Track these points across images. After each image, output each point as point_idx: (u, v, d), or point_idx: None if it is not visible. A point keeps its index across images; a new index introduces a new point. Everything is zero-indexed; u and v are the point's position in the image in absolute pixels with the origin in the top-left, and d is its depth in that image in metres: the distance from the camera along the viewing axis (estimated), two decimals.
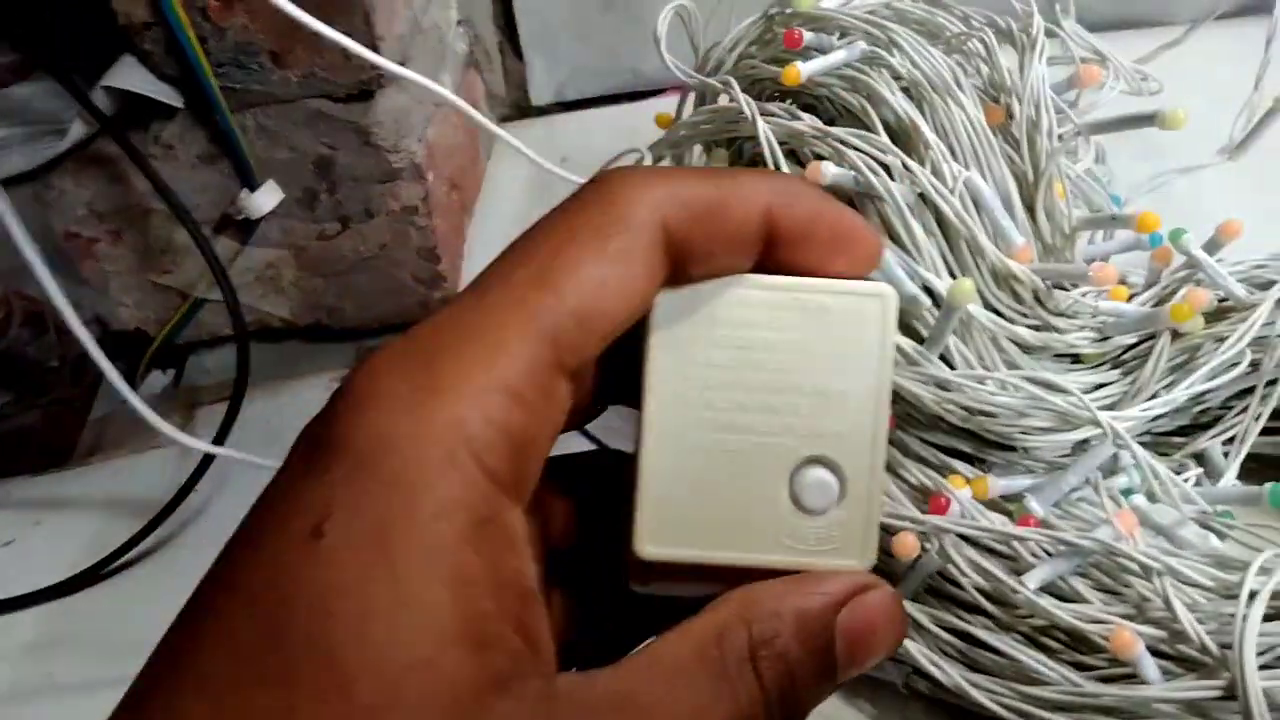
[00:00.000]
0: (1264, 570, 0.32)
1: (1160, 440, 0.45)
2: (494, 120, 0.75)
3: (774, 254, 0.24)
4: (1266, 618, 0.32)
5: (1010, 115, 0.42)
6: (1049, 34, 0.44)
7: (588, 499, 0.27)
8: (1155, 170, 0.56)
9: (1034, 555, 0.36)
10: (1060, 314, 0.42)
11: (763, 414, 0.25)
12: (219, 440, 0.51)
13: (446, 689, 0.17)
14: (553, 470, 0.28)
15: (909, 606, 0.37)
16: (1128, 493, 0.39)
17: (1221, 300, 0.43)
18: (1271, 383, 0.41)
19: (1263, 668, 0.31)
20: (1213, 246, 0.44)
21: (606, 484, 0.25)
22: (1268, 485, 0.37)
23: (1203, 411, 0.44)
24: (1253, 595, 0.31)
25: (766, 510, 0.25)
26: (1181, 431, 0.45)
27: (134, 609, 0.47)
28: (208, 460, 0.49)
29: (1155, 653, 0.33)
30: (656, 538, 0.24)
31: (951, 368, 0.39)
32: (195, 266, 0.54)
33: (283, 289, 0.55)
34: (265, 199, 0.51)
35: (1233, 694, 0.31)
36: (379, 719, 0.17)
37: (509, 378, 0.20)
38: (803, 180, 0.26)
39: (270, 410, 0.55)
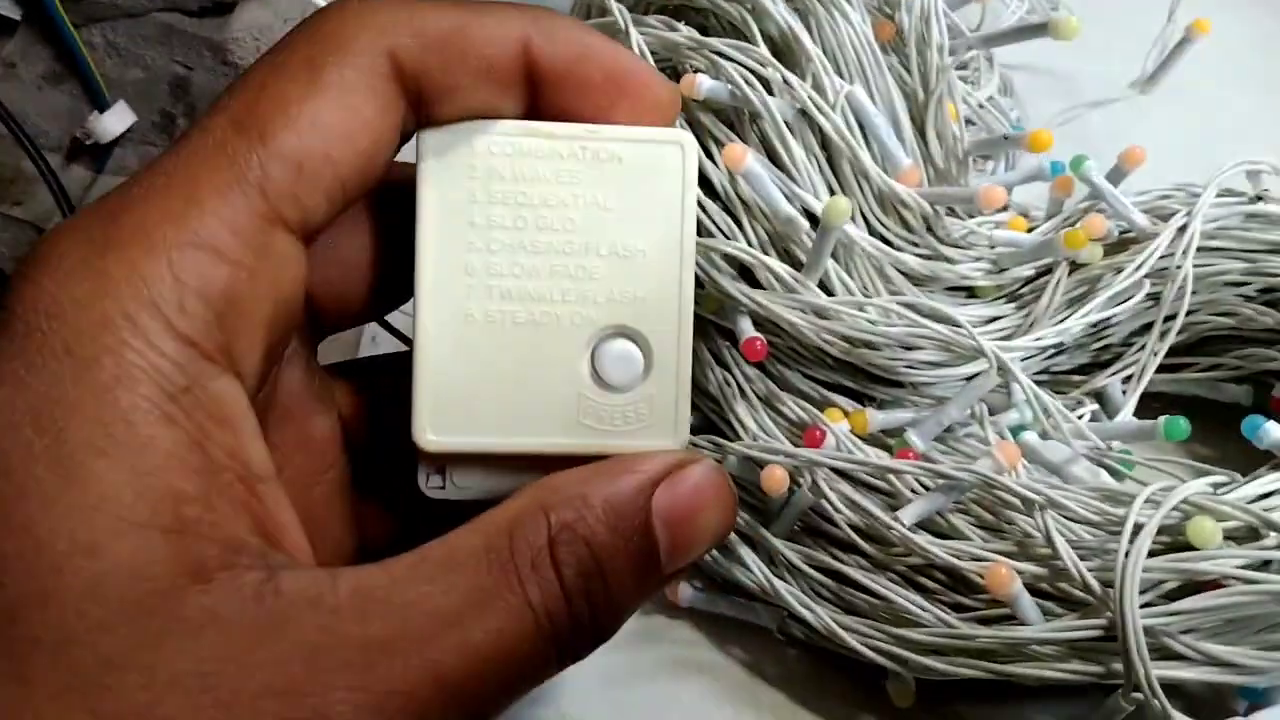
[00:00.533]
0: (1151, 502, 0.30)
1: (1060, 379, 0.42)
2: None
3: (542, 98, 0.22)
4: (1153, 553, 0.30)
5: (900, 31, 0.39)
6: None
7: (388, 394, 0.24)
8: (1068, 105, 0.54)
9: (912, 491, 0.33)
10: (952, 243, 0.40)
11: (553, 279, 0.23)
12: None
13: (123, 578, 0.15)
14: (355, 370, 0.26)
15: (783, 546, 0.34)
16: (1019, 429, 0.37)
17: (1124, 232, 0.42)
18: (1170, 317, 0.39)
19: (1146, 605, 0.30)
20: (1116, 175, 0.42)
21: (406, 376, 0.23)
22: (1162, 418, 0.35)
23: (1104, 348, 0.42)
24: (1138, 529, 0.29)
25: (564, 389, 0.22)
26: (1083, 370, 0.43)
27: None
28: None
29: (1037, 592, 0.31)
30: (439, 426, 0.22)
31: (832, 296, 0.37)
32: (48, 196, 0.50)
33: None
34: (116, 121, 0.47)
35: (1113, 634, 0.29)
36: (29, 612, 0.14)
37: (204, 231, 0.17)
38: (571, 18, 0.23)
39: None
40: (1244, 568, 0.30)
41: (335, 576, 0.17)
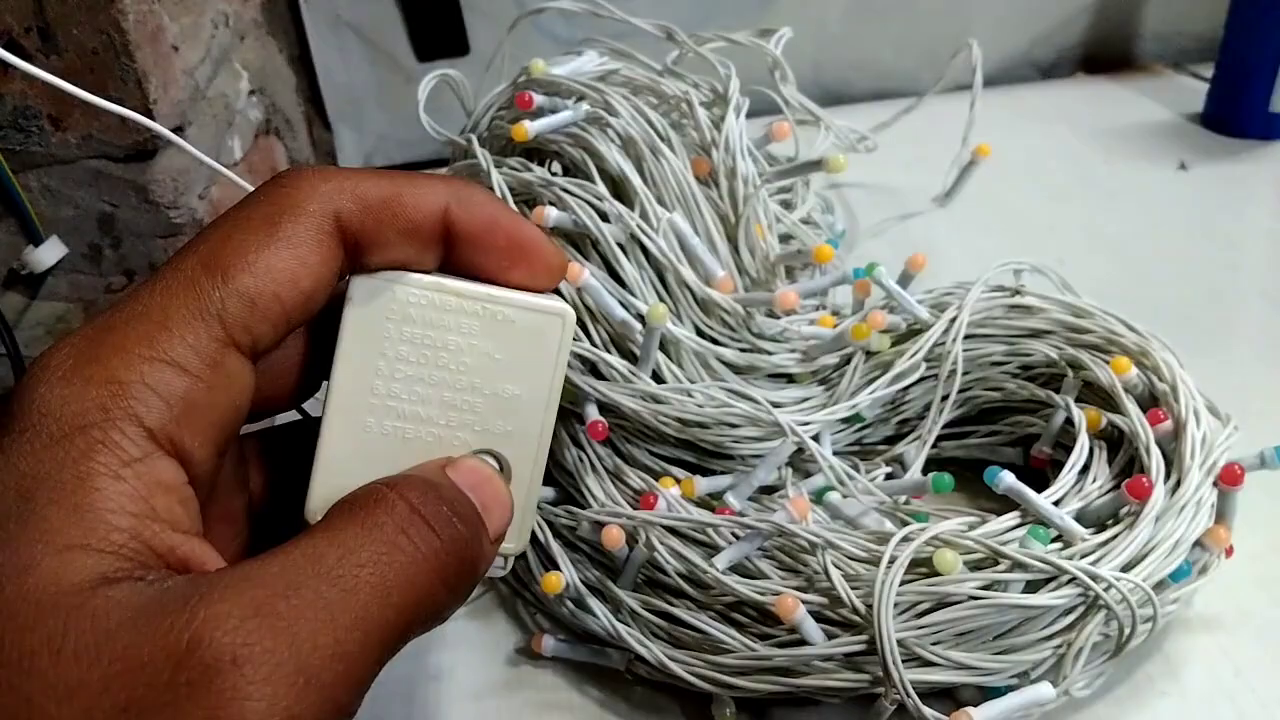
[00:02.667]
0: (905, 540, 0.38)
1: (869, 449, 0.50)
2: None
3: (456, 255, 0.28)
4: (908, 580, 0.37)
5: (712, 167, 0.48)
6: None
7: (289, 467, 0.30)
8: (886, 216, 0.64)
9: (727, 542, 0.40)
10: (767, 338, 0.48)
11: (441, 409, 0.29)
12: None
13: (47, 584, 0.20)
14: (265, 442, 0.31)
15: (625, 596, 0.41)
16: (824, 490, 0.45)
17: (911, 324, 0.50)
18: (946, 396, 0.48)
19: (902, 622, 0.37)
20: (905, 278, 0.51)
21: (306, 454, 0.28)
22: (931, 474, 0.43)
23: (903, 422, 0.50)
24: (893, 560, 0.37)
25: None
26: (890, 441, 0.51)
27: None
28: None
29: (821, 618, 0.38)
30: (326, 504, 0.27)
31: None
32: None
33: None
34: (49, 253, 0.53)
35: (874, 647, 0.36)
36: None
37: (172, 351, 0.23)
38: (486, 190, 0.29)
39: None
40: (980, 588, 0.37)
41: (238, 565, 0.22)
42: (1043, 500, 0.40)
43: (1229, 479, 0.40)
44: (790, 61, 0.56)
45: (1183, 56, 0.89)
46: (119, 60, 0.49)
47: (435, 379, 0.29)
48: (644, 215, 0.45)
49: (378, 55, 0.78)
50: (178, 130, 0.55)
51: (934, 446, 0.48)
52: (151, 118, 0.50)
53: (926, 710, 0.35)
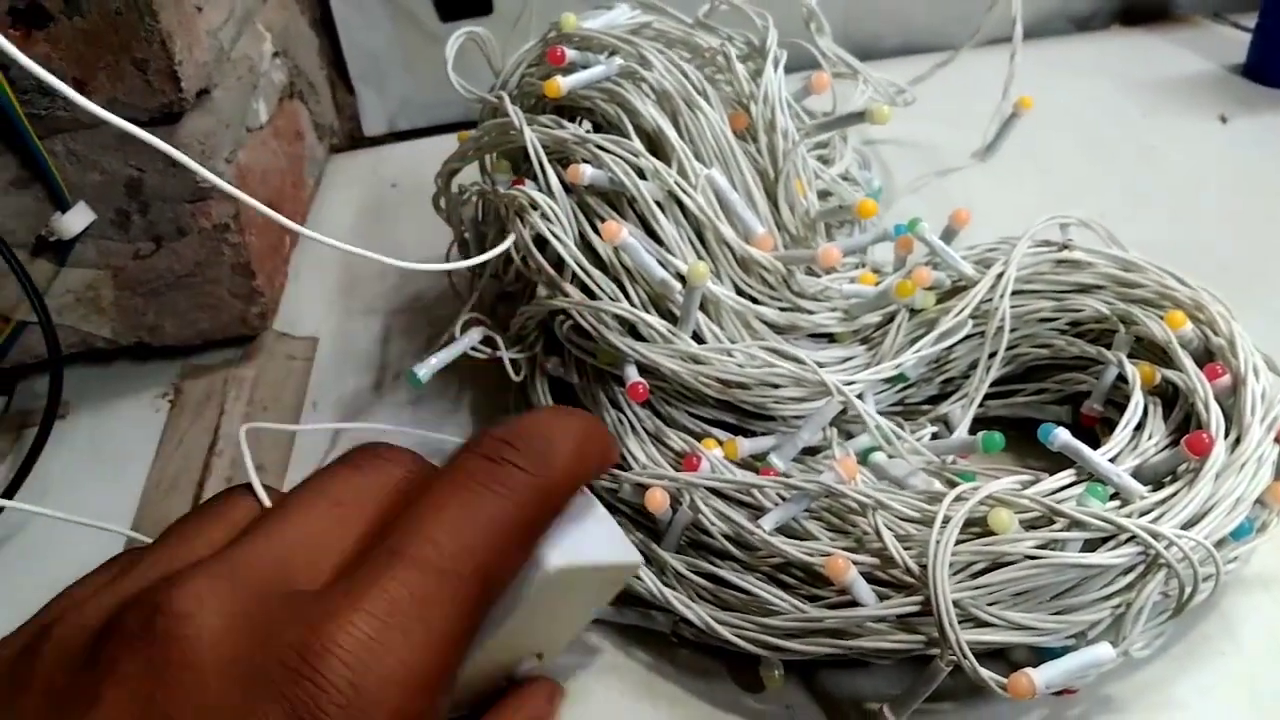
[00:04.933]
0: (959, 499, 0.37)
1: (912, 409, 0.49)
2: (325, 150, 0.78)
3: None
4: (963, 540, 0.37)
5: (751, 121, 0.46)
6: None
7: None
8: (924, 172, 0.62)
9: (773, 503, 0.40)
10: (808, 296, 0.47)
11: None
12: (27, 468, 0.52)
13: None
14: None
15: (670, 558, 0.40)
16: (870, 451, 0.44)
17: (956, 281, 0.49)
18: (995, 353, 0.47)
19: (956, 583, 0.36)
20: (948, 234, 0.50)
21: None
22: (981, 433, 0.42)
23: (947, 381, 0.49)
24: (947, 520, 0.36)
25: None
26: (933, 401, 0.50)
27: None
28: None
29: (873, 580, 0.38)
30: None
31: None
32: (15, 289, 0.55)
33: (103, 309, 0.57)
34: (76, 219, 0.53)
35: (930, 608, 0.35)
36: None
37: None
38: None
39: (95, 425, 0.57)
40: (1037, 548, 0.36)
41: None
42: (1099, 457, 0.39)
43: None
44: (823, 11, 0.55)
45: (1223, 6, 0.86)
46: (143, 21, 0.48)
47: None
48: (681, 171, 0.44)
49: (399, 15, 0.76)
50: (203, 93, 0.54)
51: (980, 405, 0.47)
52: (177, 79, 0.49)
53: (984, 671, 0.34)
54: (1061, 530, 0.37)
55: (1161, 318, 0.43)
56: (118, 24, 0.48)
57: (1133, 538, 0.35)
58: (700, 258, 0.44)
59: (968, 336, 0.47)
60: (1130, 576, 0.36)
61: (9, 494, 0.51)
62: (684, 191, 0.43)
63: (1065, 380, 0.48)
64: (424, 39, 0.78)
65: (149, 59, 0.49)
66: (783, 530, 0.39)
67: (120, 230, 0.54)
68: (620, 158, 0.43)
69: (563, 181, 0.44)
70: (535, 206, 0.44)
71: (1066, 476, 0.39)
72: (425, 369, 0.48)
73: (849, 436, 0.46)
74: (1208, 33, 0.83)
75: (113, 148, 0.52)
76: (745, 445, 0.42)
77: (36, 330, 0.56)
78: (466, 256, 0.51)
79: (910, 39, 0.81)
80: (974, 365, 0.48)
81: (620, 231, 0.40)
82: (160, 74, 0.50)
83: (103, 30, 0.48)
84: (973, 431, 0.45)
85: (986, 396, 0.48)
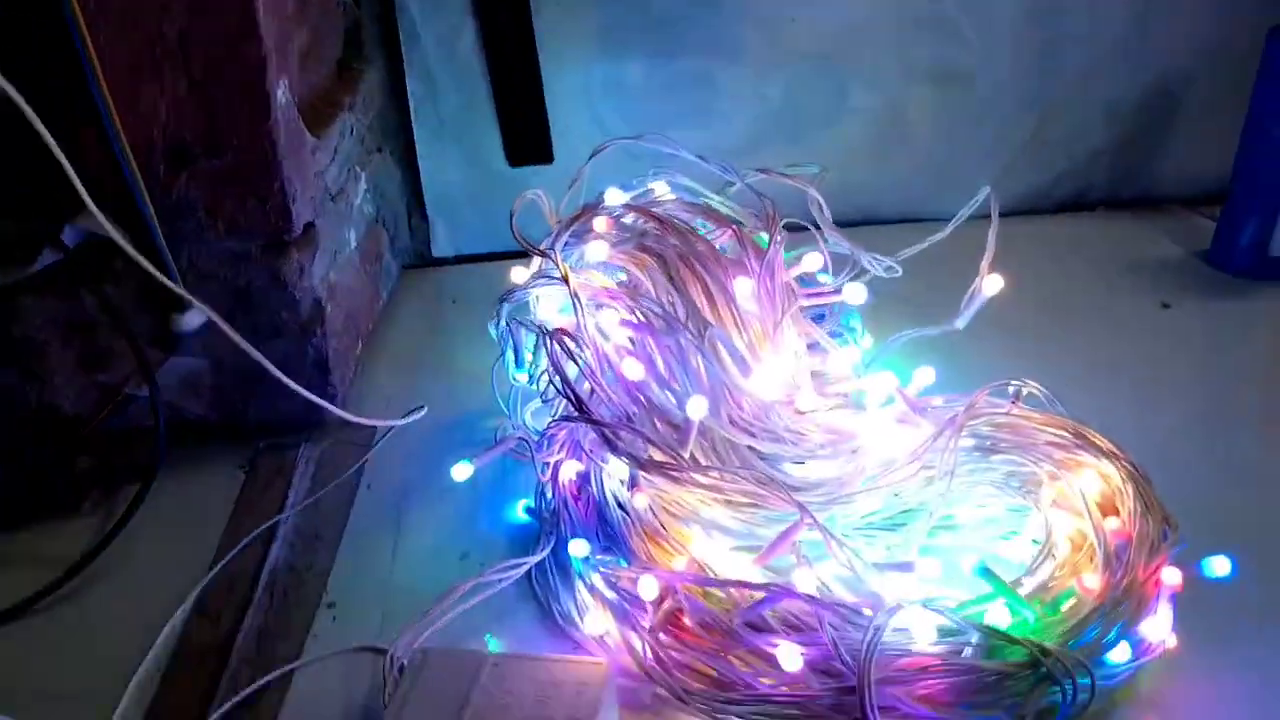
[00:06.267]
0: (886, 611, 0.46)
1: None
2: (398, 267, 0.90)
3: None
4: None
5: None
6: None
7: None
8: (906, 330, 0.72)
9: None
10: (791, 430, 0.57)
11: None
12: (126, 519, 0.62)
13: None
14: None
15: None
16: None
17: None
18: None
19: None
20: (914, 388, 0.59)
21: None
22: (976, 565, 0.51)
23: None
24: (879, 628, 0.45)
25: None
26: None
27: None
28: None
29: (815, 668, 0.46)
30: None
31: None
32: (128, 368, 0.66)
33: (200, 391, 0.67)
34: (193, 319, 0.63)
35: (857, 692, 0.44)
36: None
37: None
38: None
39: (185, 488, 0.67)
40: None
41: None
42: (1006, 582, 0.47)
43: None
44: (823, 187, 0.66)
45: (1197, 198, 0.96)
46: (268, 166, 0.60)
47: None
48: (693, 326, 0.54)
49: (473, 158, 0.89)
50: (309, 226, 0.65)
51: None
52: (289, 214, 0.61)
53: None
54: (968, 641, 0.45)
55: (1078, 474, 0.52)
56: (247, 165, 0.60)
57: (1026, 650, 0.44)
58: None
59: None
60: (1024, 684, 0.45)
61: (104, 544, 0.61)
62: (691, 344, 0.53)
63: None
64: (492, 179, 0.90)
65: (269, 197, 0.60)
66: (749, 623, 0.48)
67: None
68: (645, 310, 0.54)
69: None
70: (571, 338, 0.54)
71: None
72: (465, 469, 0.58)
73: None
74: (1180, 221, 0.93)
75: (229, 263, 0.63)
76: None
77: (140, 405, 0.67)
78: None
79: (909, 208, 0.92)
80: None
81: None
82: (276, 209, 0.61)
83: (235, 170, 0.60)
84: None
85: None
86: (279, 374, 0.63)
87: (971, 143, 0.93)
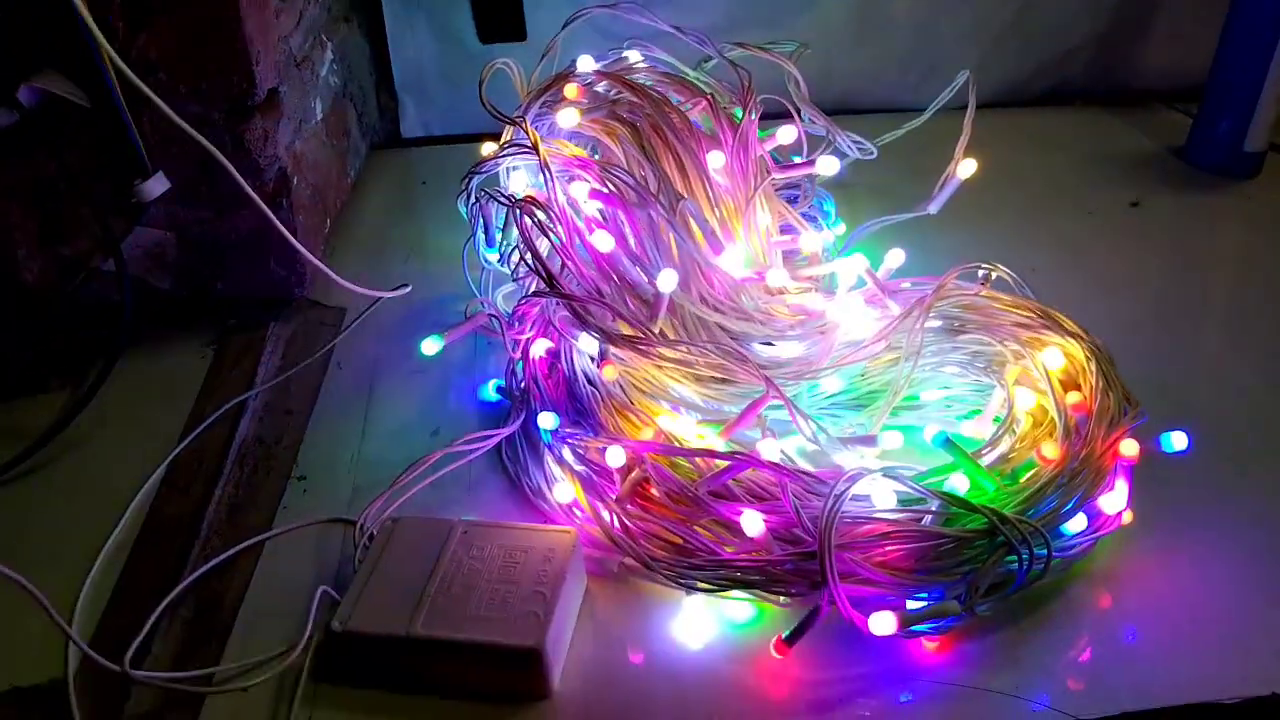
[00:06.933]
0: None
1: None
2: (366, 147, 0.88)
3: None
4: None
5: None
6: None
7: None
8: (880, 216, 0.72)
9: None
10: (759, 310, 0.57)
11: None
12: (91, 394, 0.61)
13: None
14: None
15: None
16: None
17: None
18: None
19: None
20: (885, 271, 0.59)
21: None
22: (934, 434, 0.52)
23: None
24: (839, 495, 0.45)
25: None
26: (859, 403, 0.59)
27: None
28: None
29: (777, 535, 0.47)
30: None
31: None
32: (89, 240, 0.64)
33: (166, 265, 0.66)
34: (155, 186, 0.62)
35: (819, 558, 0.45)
36: None
37: None
38: None
39: (152, 365, 0.66)
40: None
41: None
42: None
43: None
44: (802, 69, 0.65)
45: (1174, 95, 0.96)
46: (229, 25, 0.58)
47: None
48: (665, 199, 0.53)
49: (443, 34, 0.86)
50: (273, 92, 0.63)
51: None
52: (253, 78, 0.59)
53: (851, 609, 0.44)
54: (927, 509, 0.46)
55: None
56: (208, 23, 0.58)
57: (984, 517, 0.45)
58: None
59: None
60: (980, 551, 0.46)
61: (70, 418, 0.61)
62: (663, 217, 0.52)
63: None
64: (463, 56, 0.88)
65: (231, 58, 0.59)
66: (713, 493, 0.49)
67: (189, 198, 0.64)
68: (617, 181, 0.53)
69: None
70: (540, 207, 0.53)
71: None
72: (434, 344, 0.58)
73: None
74: (1157, 117, 0.93)
75: (191, 128, 0.61)
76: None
77: (104, 279, 0.66)
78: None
79: (884, 96, 0.91)
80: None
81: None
82: (239, 72, 0.59)
83: (195, 28, 0.58)
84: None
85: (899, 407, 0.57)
86: (281, 226, 0.61)
87: (950, 33, 0.92)
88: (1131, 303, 0.69)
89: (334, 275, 0.66)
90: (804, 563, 0.45)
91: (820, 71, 0.76)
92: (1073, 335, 0.54)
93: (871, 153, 0.67)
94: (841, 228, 0.70)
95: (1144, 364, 0.57)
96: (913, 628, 0.44)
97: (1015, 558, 0.45)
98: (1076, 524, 0.47)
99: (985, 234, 0.72)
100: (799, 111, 0.64)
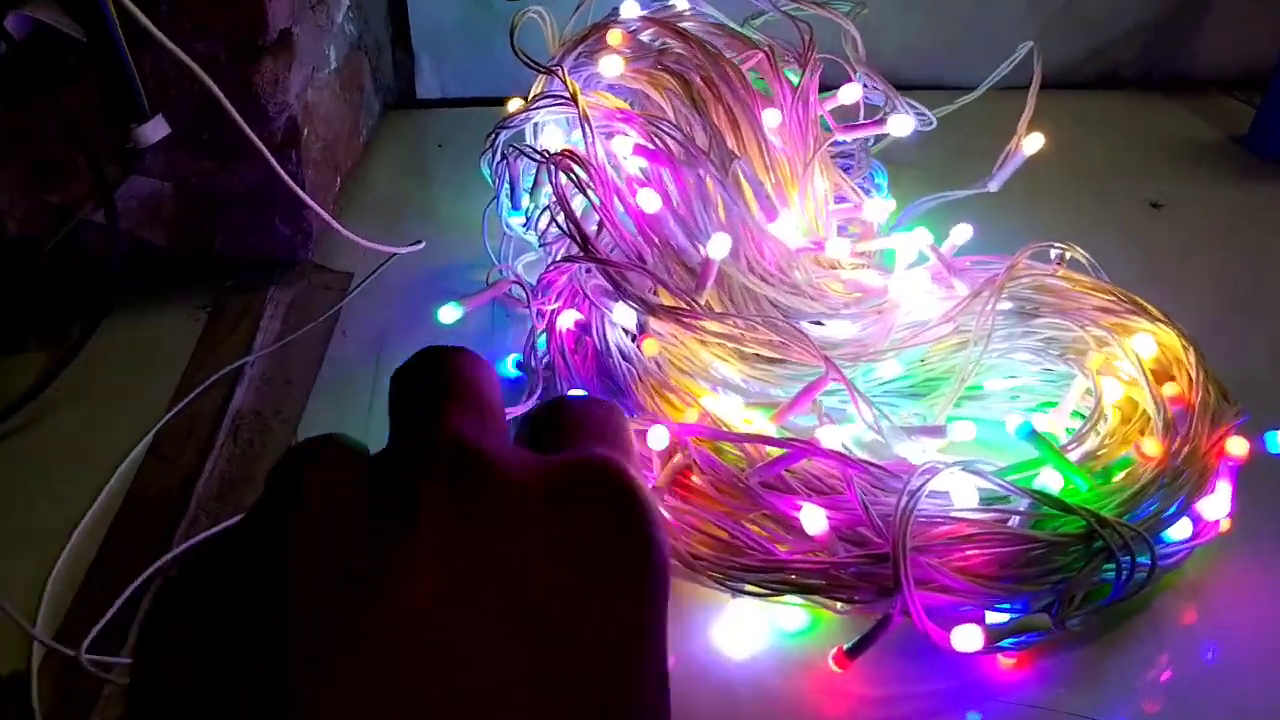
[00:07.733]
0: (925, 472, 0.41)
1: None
2: (379, 105, 0.82)
3: None
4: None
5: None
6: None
7: None
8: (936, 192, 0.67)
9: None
10: (812, 285, 0.51)
11: None
12: (71, 355, 0.56)
13: None
14: None
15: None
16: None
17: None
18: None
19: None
20: (949, 248, 0.54)
21: None
22: (1019, 423, 0.46)
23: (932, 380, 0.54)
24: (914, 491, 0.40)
25: None
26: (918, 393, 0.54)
27: None
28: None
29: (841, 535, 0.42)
30: None
31: None
32: (82, 188, 0.59)
33: (162, 218, 0.61)
34: (153, 130, 0.57)
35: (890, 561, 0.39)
36: None
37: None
38: None
39: (142, 326, 0.61)
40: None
41: None
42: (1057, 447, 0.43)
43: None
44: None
45: (1234, 82, 0.91)
46: None
47: None
48: (716, 158, 0.48)
49: None
50: (285, 33, 0.58)
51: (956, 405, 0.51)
52: (265, 18, 0.53)
53: (929, 622, 0.38)
54: (1014, 508, 0.41)
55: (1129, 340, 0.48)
56: None
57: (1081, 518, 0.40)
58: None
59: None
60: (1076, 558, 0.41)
61: (47, 381, 0.55)
62: (714, 177, 0.47)
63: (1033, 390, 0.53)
64: (485, 14, 0.82)
65: None
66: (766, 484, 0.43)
67: (190, 146, 0.58)
68: (663, 136, 0.48)
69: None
70: (579, 162, 0.48)
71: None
72: (453, 311, 0.52)
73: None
74: (1216, 104, 0.88)
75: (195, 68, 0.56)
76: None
77: (94, 230, 0.61)
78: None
79: (934, 74, 0.86)
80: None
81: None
82: (249, 7, 0.54)
83: None
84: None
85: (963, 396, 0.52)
86: (288, 179, 0.56)
87: (1003, 11, 0.87)
88: (1204, 295, 0.64)
89: (344, 231, 0.61)
90: (872, 566, 0.40)
91: (867, 49, 0.71)
92: (1162, 322, 0.49)
93: (931, 122, 0.62)
94: (892, 204, 0.65)
95: (1227, 357, 0.52)
96: (997, 644, 0.39)
97: (1113, 566, 0.40)
98: (1179, 530, 0.42)
99: (1044, 216, 0.67)
100: (856, 74, 0.58)
